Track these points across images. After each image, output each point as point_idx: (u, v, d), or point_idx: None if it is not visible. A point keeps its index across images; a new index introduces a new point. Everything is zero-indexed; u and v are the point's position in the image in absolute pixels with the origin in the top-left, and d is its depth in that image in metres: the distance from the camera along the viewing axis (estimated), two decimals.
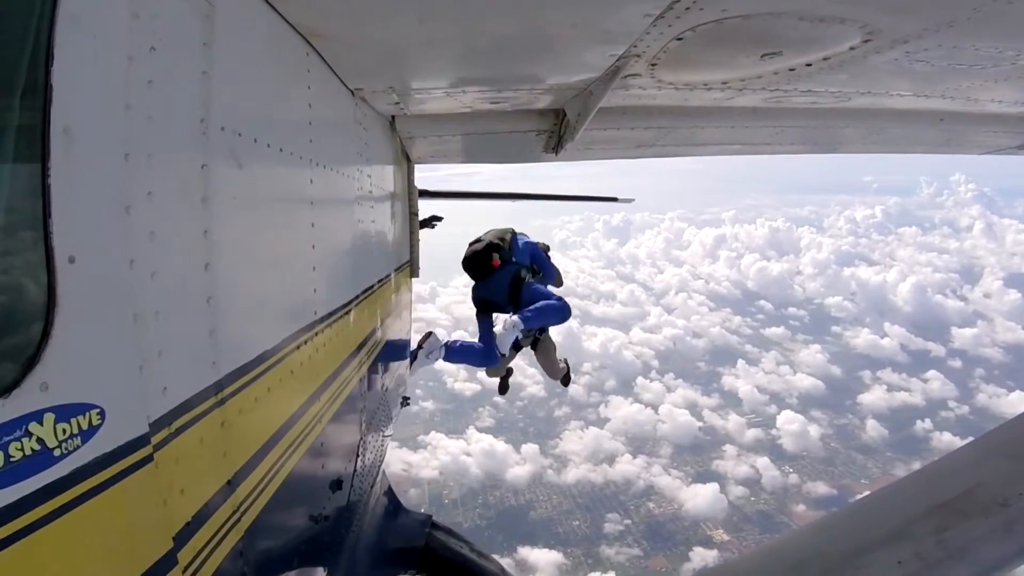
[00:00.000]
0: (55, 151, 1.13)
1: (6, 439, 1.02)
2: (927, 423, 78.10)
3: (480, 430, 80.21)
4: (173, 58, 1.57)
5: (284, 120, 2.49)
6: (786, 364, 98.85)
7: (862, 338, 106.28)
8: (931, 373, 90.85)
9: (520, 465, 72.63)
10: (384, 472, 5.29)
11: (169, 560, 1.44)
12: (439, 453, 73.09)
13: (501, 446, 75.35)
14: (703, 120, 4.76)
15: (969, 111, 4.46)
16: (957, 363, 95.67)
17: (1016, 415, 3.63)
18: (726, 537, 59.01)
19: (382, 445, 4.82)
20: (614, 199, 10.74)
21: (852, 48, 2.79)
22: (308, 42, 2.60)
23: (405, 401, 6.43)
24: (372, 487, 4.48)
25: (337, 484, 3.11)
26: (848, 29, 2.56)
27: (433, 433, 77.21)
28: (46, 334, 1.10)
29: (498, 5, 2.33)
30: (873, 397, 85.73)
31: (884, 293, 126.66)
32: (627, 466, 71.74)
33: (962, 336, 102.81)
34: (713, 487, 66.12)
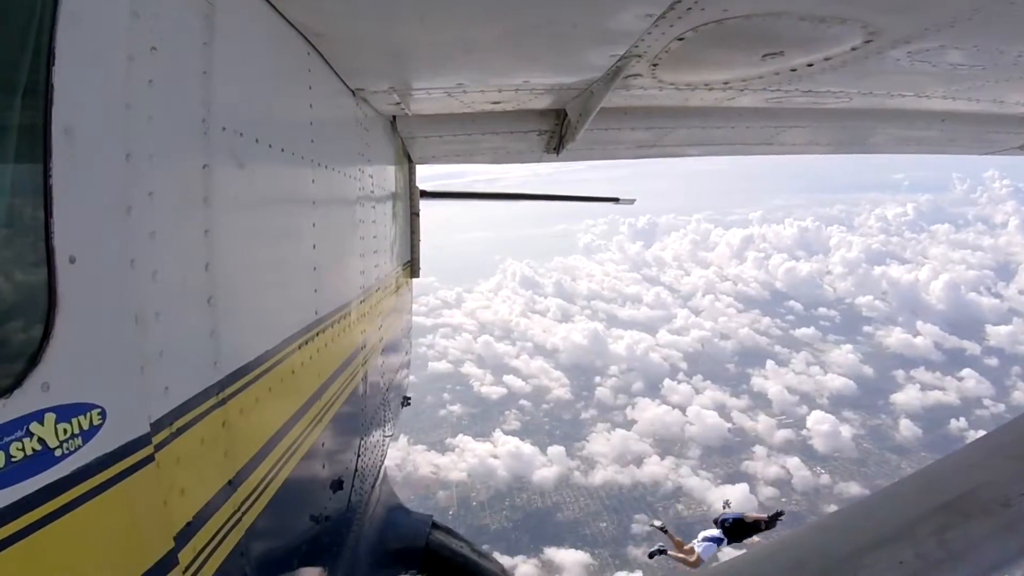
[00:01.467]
0: (56, 151, 1.13)
1: (7, 439, 1.01)
2: (962, 422, 77.09)
3: (507, 433, 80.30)
4: (174, 58, 1.57)
5: (285, 120, 2.49)
6: (816, 365, 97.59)
7: (894, 337, 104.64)
8: (966, 371, 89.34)
9: (547, 467, 72.75)
10: (386, 472, 5.30)
11: (170, 560, 1.44)
12: (467, 456, 73.42)
13: (528, 448, 75.34)
14: (704, 120, 4.75)
15: (971, 111, 4.45)
16: (993, 361, 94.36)
17: (1017, 416, 3.62)
18: (756, 539, 58.86)
19: (383, 445, 4.82)
20: (615, 200, 10.72)
21: (854, 48, 2.78)
22: (309, 42, 2.60)
23: (406, 401, 6.44)
24: (373, 487, 4.48)
25: (338, 484, 3.11)
26: (849, 29, 2.55)
27: (460, 436, 77.56)
28: (47, 334, 1.10)
29: (499, 5, 2.33)
30: (906, 396, 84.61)
31: (916, 292, 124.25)
32: (655, 467, 71.34)
33: (997, 334, 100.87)
34: (743, 487, 65.45)
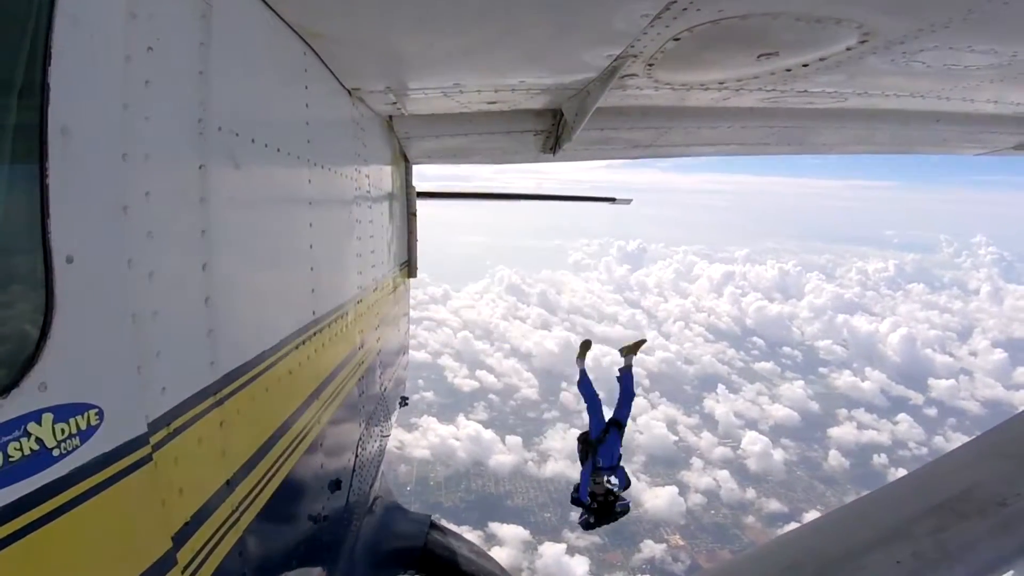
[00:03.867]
0: (53, 151, 1.12)
1: (5, 439, 1.01)
2: (883, 458, 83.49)
3: (470, 419, 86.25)
4: (170, 58, 1.57)
5: (282, 120, 2.49)
6: (767, 395, 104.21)
7: (844, 380, 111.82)
8: (902, 416, 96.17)
9: (504, 454, 78.53)
10: (383, 473, 5.29)
11: (168, 560, 1.44)
12: (429, 435, 78.69)
13: (488, 435, 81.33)
14: (700, 120, 4.76)
15: (965, 111, 4.47)
16: (933, 411, 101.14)
17: (1012, 416, 3.63)
18: (681, 542, 65.71)
19: (380, 446, 4.82)
20: (612, 199, 10.73)
21: (848, 49, 2.79)
22: (306, 42, 2.60)
23: (403, 401, 6.43)
24: (371, 487, 4.48)
25: (336, 484, 3.10)
26: (844, 30, 2.56)
27: (425, 416, 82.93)
28: (44, 334, 1.10)
29: (495, 5, 2.33)
30: (842, 432, 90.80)
31: (875, 342, 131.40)
32: None
33: (939, 386, 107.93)
34: (672, 490, 72.14)
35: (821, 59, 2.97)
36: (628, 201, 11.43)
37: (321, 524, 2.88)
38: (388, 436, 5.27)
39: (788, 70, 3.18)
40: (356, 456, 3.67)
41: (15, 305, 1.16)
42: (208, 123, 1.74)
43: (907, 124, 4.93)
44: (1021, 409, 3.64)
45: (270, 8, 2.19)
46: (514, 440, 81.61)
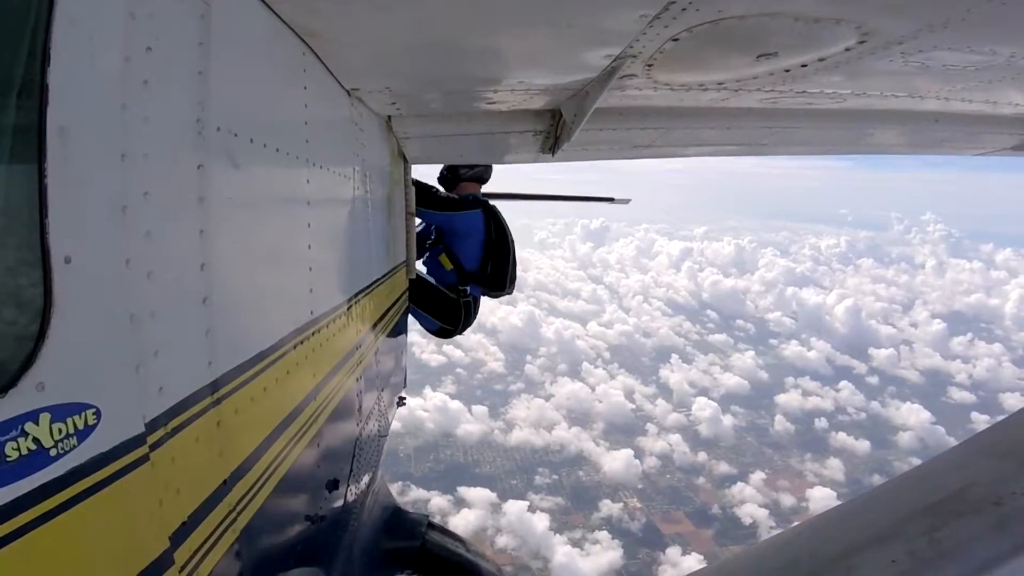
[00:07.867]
0: (51, 151, 1.13)
1: (2, 439, 1.02)
2: (823, 422, 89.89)
3: (436, 391, 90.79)
4: (169, 58, 1.58)
5: (280, 120, 2.49)
6: (719, 365, 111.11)
7: (791, 349, 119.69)
8: (844, 384, 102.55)
9: (471, 423, 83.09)
10: (381, 473, 5.30)
11: (165, 560, 1.45)
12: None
13: (455, 404, 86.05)
14: (699, 121, 4.76)
15: (964, 112, 4.48)
16: (875, 379, 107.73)
17: (1007, 416, 3.64)
18: (638, 504, 69.97)
19: (378, 445, 4.82)
20: (610, 199, 10.75)
21: (847, 49, 2.79)
22: (304, 42, 2.60)
23: (401, 401, 6.44)
24: (369, 487, 4.48)
25: (333, 484, 3.11)
26: (843, 30, 2.56)
27: None
28: (42, 334, 1.11)
29: (495, 5, 2.34)
30: (788, 398, 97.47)
31: (821, 313, 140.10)
32: (563, 433, 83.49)
33: (879, 356, 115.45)
34: (627, 453, 77.58)
35: (820, 59, 2.98)
36: (627, 201, 11.47)
37: (318, 524, 2.89)
38: (386, 436, 5.28)
39: (787, 70, 3.18)
40: (354, 456, 3.67)
41: (13, 305, 1.17)
42: (207, 123, 1.74)
43: (906, 124, 4.95)
44: (1017, 409, 3.65)
45: (269, 8, 2.19)
46: (480, 410, 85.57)
